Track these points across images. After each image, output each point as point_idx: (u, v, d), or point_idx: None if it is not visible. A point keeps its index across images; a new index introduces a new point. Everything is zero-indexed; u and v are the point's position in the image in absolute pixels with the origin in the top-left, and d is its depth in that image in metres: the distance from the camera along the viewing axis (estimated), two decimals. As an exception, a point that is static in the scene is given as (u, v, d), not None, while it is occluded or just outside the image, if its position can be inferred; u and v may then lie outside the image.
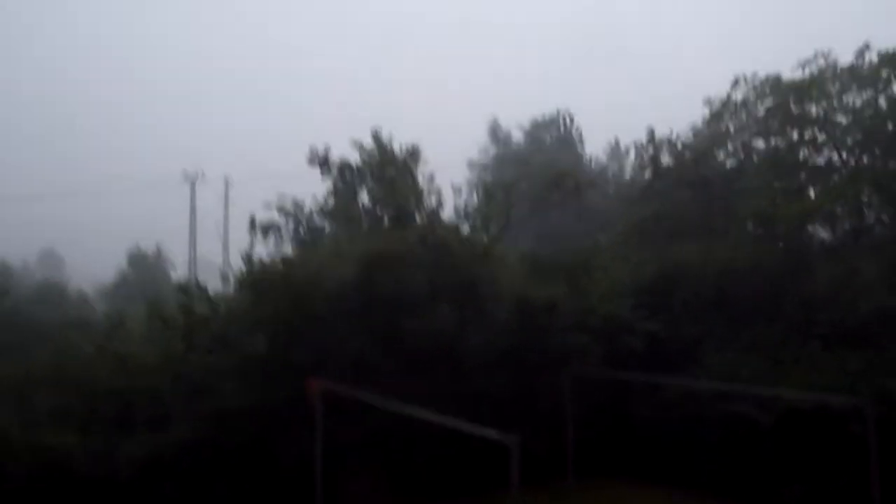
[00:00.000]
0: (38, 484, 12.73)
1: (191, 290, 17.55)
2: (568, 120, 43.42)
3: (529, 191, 24.13)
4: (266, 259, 18.89)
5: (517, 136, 45.37)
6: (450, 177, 23.42)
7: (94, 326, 23.85)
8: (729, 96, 23.26)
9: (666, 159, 24.70)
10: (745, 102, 22.96)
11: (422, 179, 21.14)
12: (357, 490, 14.29)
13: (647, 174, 25.53)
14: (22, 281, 43.88)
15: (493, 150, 45.57)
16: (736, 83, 23.01)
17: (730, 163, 23.92)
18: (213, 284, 21.84)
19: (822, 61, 21.23)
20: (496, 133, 45.72)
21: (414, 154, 20.85)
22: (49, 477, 12.86)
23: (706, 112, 24.17)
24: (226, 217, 57.91)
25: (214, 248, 58.78)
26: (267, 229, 21.39)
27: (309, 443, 14.13)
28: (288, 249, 21.23)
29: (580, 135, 43.64)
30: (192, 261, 56.36)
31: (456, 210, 22.14)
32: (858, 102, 20.62)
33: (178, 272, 53.19)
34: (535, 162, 35.41)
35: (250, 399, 14.65)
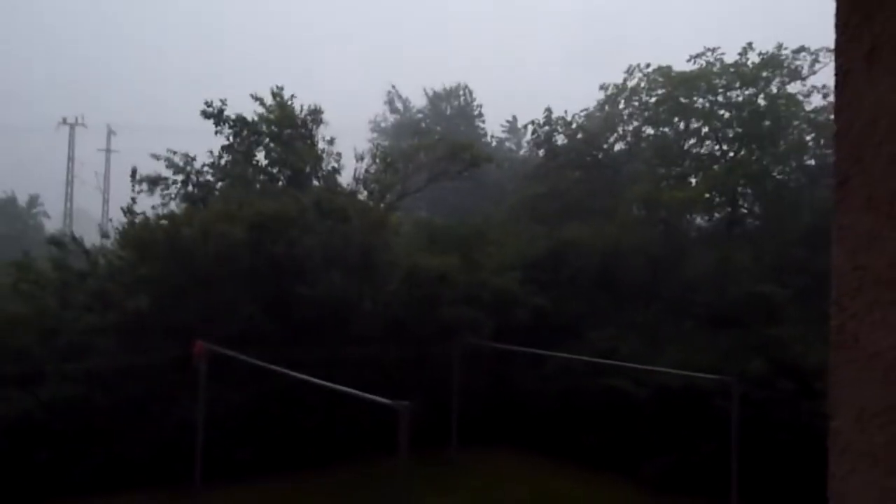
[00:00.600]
0: None
1: (65, 244, 16.56)
2: (468, 93, 43.73)
3: (427, 160, 24.25)
4: (151, 214, 18.09)
5: (418, 104, 45.40)
6: (353, 143, 23.24)
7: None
8: (624, 83, 24.09)
9: (560, 139, 25.39)
10: (637, 90, 23.87)
11: (322, 142, 20.84)
12: (240, 455, 14.10)
13: (542, 153, 26.16)
14: None
15: (391, 118, 45.46)
16: (630, 71, 23.86)
17: (620, 147, 24.87)
18: (92, 238, 20.76)
19: (710, 56, 22.34)
20: (393, 101, 45.58)
21: (315, 115, 20.44)
22: None
23: (601, 96, 24.99)
24: (107, 168, 55.02)
25: (94, 201, 55.84)
26: (153, 182, 20.40)
27: (191, 406, 13.76)
28: (175, 206, 20.41)
29: (480, 109, 44.16)
30: (69, 212, 53.24)
31: (355, 176, 22.00)
32: (741, 98, 21.86)
33: (53, 224, 50.17)
34: (434, 132, 35.58)
35: (129, 359, 14.09)
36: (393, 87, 45.61)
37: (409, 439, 8.65)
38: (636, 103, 24.16)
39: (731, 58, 22.07)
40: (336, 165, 20.70)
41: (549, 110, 25.34)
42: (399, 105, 45.64)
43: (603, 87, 24.71)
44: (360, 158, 21.59)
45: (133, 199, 19.15)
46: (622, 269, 18.87)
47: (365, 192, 21.46)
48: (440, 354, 16.66)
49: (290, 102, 20.08)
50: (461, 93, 43.92)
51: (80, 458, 13.27)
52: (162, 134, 27.95)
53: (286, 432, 14.66)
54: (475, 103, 43.78)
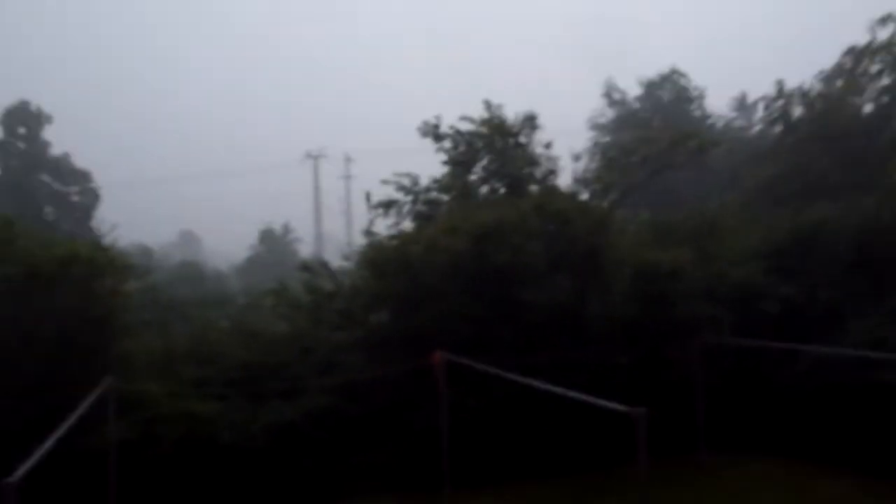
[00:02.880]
0: (184, 448, 13.62)
1: (315, 268, 18.12)
2: (683, 77, 41.60)
3: (650, 153, 23.30)
4: (384, 235, 19.24)
5: (635, 94, 43.79)
6: (570, 143, 23.05)
7: (230, 303, 25.31)
8: (873, 37, 21.33)
9: (797, 112, 23.13)
10: (893, 42, 20.98)
11: (538, 148, 20.85)
12: (483, 461, 14.44)
13: (777, 129, 24.00)
14: (162, 261, 47.02)
15: (610, 113, 44.20)
16: (884, 20, 21.04)
17: (870, 110, 22.04)
18: (339, 261, 22.59)
19: None
20: (611, 95, 44.23)
21: (529, 122, 20.53)
22: (194, 442, 13.74)
23: (842, 57, 22.37)
24: (348, 193, 59.78)
25: (340, 225, 60.89)
26: (386, 206, 21.70)
27: (434, 413, 14.37)
28: (407, 224, 21.53)
29: (700, 92, 41.75)
30: (318, 237, 58.65)
31: (574, 177, 21.74)
32: None
33: (306, 248, 55.54)
34: (654, 123, 34.21)
35: (375, 371, 15.05)
36: (610, 79, 44.34)
37: (646, 447, 8.25)
38: (889, 58, 21.28)
39: None
40: (554, 168, 20.59)
41: (780, 82, 23.22)
42: (617, 97, 44.20)
43: (848, 49, 22.04)
44: (576, 159, 21.29)
45: (371, 222, 20.66)
46: (885, 249, 16.60)
47: (586, 192, 21.11)
48: (678, 354, 15.82)
49: (500, 114, 20.34)
50: (676, 77, 41.82)
51: (338, 464, 14.41)
52: (393, 155, 29.60)
53: (524, 438, 14.74)
54: (693, 85, 41.48)
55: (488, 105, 20.56)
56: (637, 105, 43.10)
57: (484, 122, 20.41)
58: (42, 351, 13.52)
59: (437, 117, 20.84)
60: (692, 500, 13.15)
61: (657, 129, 28.80)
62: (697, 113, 41.50)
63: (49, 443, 8.33)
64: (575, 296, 16.20)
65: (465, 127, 20.68)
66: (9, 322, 13.62)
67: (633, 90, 43.46)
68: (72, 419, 9.89)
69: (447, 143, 20.68)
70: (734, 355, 16.19)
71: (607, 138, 40.62)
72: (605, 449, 14.28)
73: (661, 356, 16.01)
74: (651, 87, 42.55)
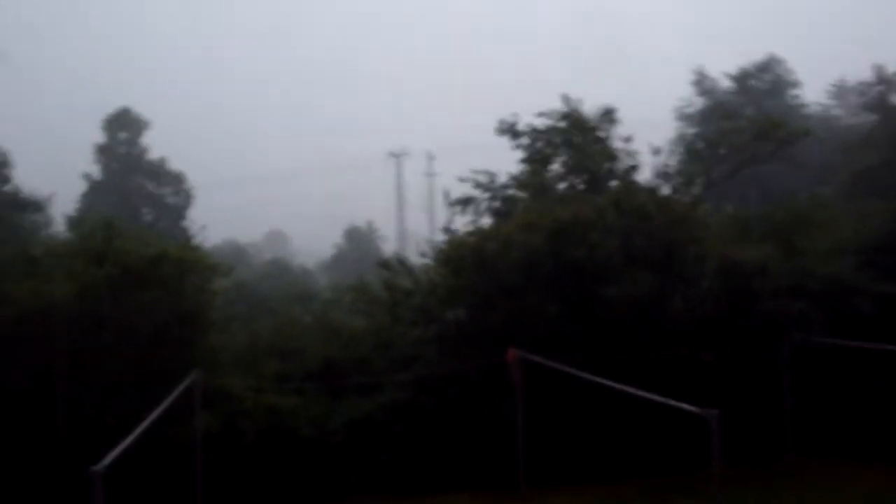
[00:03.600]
0: (265, 441, 14.12)
1: (393, 266, 18.37)
2: (779, 64, 39.77)
3: (736, 144, 22.49)
4: (462, 232, 19.32)
5: (725, 84, 42.07)
6: (650, 137, 22.45)
7: (314, 299, 26.03)
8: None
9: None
10: None
11: (617, 141, 20.48)
12: (558, 458, 14.34)
13: (874, 117, 22.75)
14: (251, 259, 48.69)
15: (699, 103, 42.44)
16: None
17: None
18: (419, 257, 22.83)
19: None
20: (702, 83, 42.48)
21: (607, 115, 20.19)
22: (274, 435, 14.23)
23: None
24: (430, 190, 60.32)
25: (422, 222, 61.49)
26: (464, 203, 21.78)
27: (508, 409, 14.37)
28: (485, 221, 21.55)
29: (794, 80, 39.83)
30: (401, 235, 59.45)
31: (654, 170, 21.19)
32: None
33: (389, 246, 56.35)
34: (743, 112, 32.90)
35: (450, 367, 15.16)
36: (701, 68, 42.68)
37: (720, 449, 8.02)
38: None
39: None
40: (634, 163, 20.15)
41: (879, 67, 21.99)
42: (706, 86, 42.48)
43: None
44: (655, 152, 20.74)
45: (449, 219, 20.82)
46: None
47: (667, 187, 20.55)
48: (763, 353, 15.23)
49: (577, 109, 20.08)
50: (772, 64, 40.02)
51: (415, 459, 14.58)
52: (473, 151, 29.56)
53: (599, 436, 14.55)
54: (789, 73, 39.60)
55: (566, 100, 20.34)
56: (728, 94, 41.41)
57: (562, 118, 20.20)
58: (134, 347, 14.26)
59: (514, 115, 20.80)
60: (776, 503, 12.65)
61: (747, 119, 27.72)
62: (794, 101, 39.67)
63: (135, 434, 8.76)
64: (654, 293, 15.80)
65: (543, 123, 20.55)
66: (105, 319, 14.42)
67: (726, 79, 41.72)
68: (157, 411, 10.38)
69: (524, 140, 20.59)
70: (824, 355, 15.45)
71: (694, 129, 39.32)
72: (685, 450, 13.91)
73: (746, 355, 15.45)
74: (744, 76, 40.82)
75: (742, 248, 16.18)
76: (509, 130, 20.64)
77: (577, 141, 19.83)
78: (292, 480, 14.09)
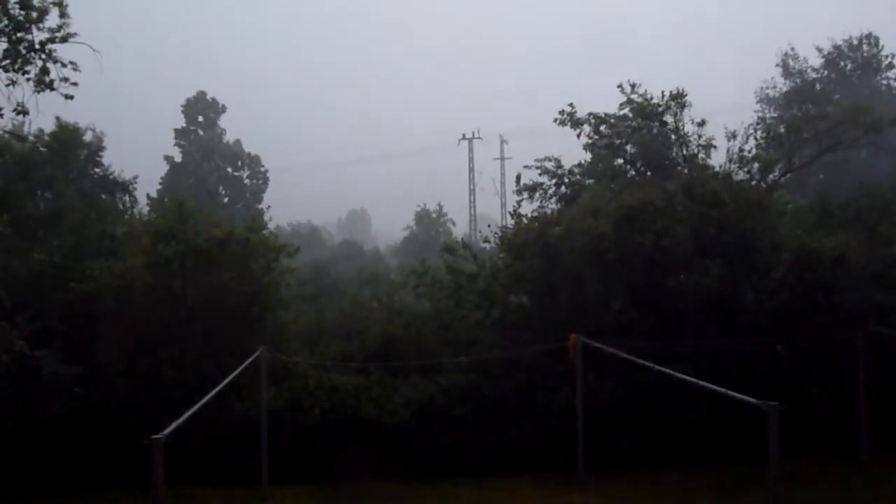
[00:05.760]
0: (328, 419, 14.42)
1: (457, 250, 18.37)
2: (874, 43, 37.47)
3: (819, 129, 21.50)
4: (528, 217, 19.15)
5: (814, 64, 39.80)
6: (738, 119, 21.76)
7: (382, 280, 26.33)
8: None
9: None
10: None
11: (689, 125, 19.87)
12: (618, 445, 14.16)
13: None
14: (328, 240, 49.61)
15: (784, 85, 40.32)
16: None
17: None
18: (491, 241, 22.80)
19: None
20: (787, 65, 40.31)
21: (676, 100, 19.59)
22: (337, 414, 14.51)
23: None
24: (503, 175, 59.98)
25: (494, 206, 61.36)
26: (532, 189, 21.62)
27: (569, 395, 14.25)
28: (552, 207, 21.33)
29: (891, 59, 37.40)
30: (473, 219, 59.39)
31: (728, 156, 20.44)
32: None
33: (460, 230, 56.46)
34: (831, 95, 31.33)
35: (511, 352, 15.11)
36: (790, 47, 40.24)
37: (779, 442, 7.71)
38: None
39: None
40: (706, 147, 19.51)
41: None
42: (794, 66, 39.90)
43: None
44: (731, 137, 19.98)
45: (518, 204, 20.75)
46: None
47: (742, 172, 19.81)
48: (841, 346, 14.55)
49: (646, 94, 19.56)
50: (864, 44, 37.77)
51: (476, 443, 14.61)
52: (544, 137, 29.28)
53: (660, 425, 14.28)
54: (883, 53, 37.29)
55: (631, 85, 19.86)
56: (815, 77, 39.27)
57: (626, 103, 19.75)
58: (203, 324, 14.74)
59: (571, 105, 20.53)
60: (846, 500, 12.13)
61: (834, 104, 26.43)
62: (889, 83, 37.40)
63: (197, 406, 9.04)
64: (725, 282, 15.29)
65: (609, 109, 20.17)
66: (176, 297, 14.96)
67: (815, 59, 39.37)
68: (222, 385, 10.69)
69: (587, 128, 20.28)
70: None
71: (776, 112, 37.59)
72: (752, 442, 13.48)
73: (821, 346, 14.81)
74: (834, 56, 38.63)
75: (821, 238, 15.49)
76: (569, 121, 20.38)
77: (647, 125, 19.33)
78: (353, 459, 14.31)
